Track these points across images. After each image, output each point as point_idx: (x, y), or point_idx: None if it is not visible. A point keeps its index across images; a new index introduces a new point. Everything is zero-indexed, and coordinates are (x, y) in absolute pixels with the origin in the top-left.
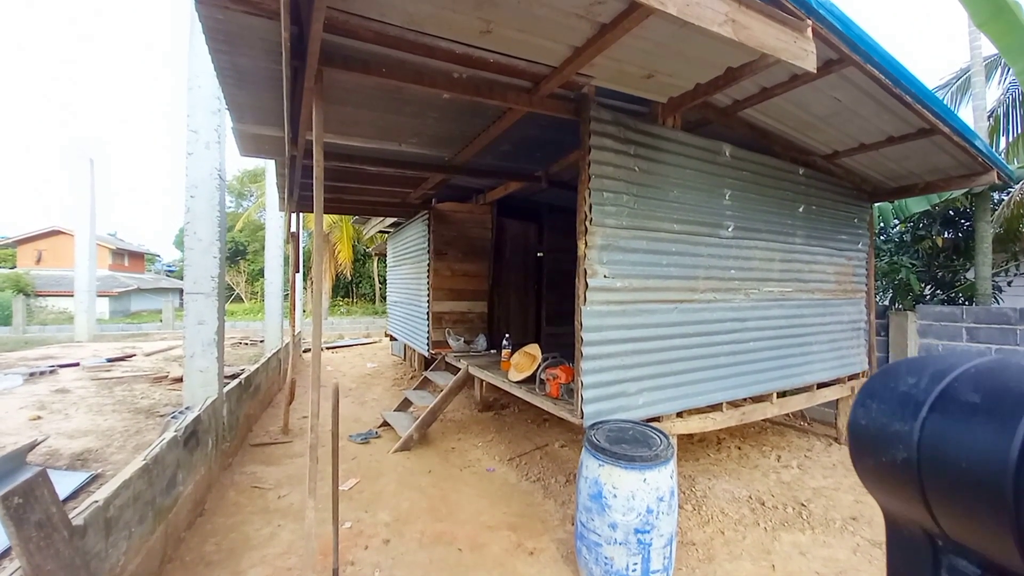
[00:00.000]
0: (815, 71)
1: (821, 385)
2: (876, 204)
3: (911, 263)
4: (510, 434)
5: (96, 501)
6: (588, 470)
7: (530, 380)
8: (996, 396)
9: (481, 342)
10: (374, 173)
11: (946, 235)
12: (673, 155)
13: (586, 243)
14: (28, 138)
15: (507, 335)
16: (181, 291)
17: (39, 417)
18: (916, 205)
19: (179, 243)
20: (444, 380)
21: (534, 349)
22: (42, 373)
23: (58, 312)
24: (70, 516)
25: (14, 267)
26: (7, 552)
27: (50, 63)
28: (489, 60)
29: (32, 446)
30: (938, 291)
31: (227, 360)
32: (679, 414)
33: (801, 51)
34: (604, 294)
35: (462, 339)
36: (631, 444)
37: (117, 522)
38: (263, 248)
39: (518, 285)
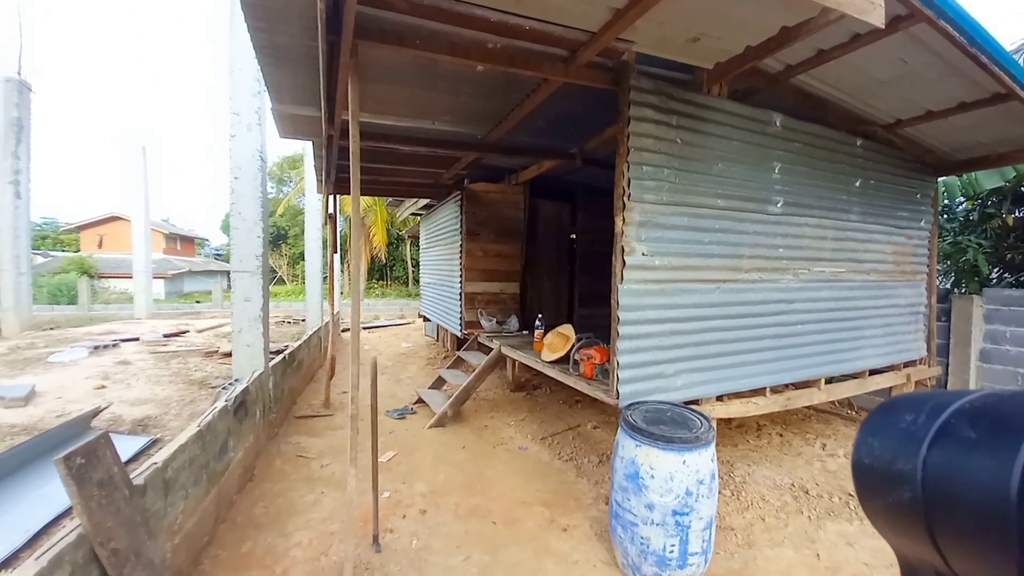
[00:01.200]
0: (883, 26)
1: (873, 372)
2: (941, 179)
3: (979, 243)
4: (542, 414)
5: (155, 463)
6: (624, 450)
7: (563, 360)
8: (993, 431)
9: (513, 323)
10: (408, 153)
11: (1017, 213)
12: (718, 125)
13: (624, 219)
14: (77, 127)
15: (540, 315)
16: (228, 273)
17: (103, 386)
18: (987, 180)
19: (225, 228)
20: (477, 360)
21: (568, 329)
22: (105, 347)
23: (119, 292)
24: (131, 477)
25: (78, 251)
26: (68, 511)
27: (95, 53)
28: (524, 28)
29: (96, 412)
30: (1006, 274)
31: (272, 337)
32: (719, 398)
33: (867, 4)
34: (642, 272)
35: (494, 319)
36: (670, 425)
37: (174, 483)
38: (303, 232)
39: (551, 266)
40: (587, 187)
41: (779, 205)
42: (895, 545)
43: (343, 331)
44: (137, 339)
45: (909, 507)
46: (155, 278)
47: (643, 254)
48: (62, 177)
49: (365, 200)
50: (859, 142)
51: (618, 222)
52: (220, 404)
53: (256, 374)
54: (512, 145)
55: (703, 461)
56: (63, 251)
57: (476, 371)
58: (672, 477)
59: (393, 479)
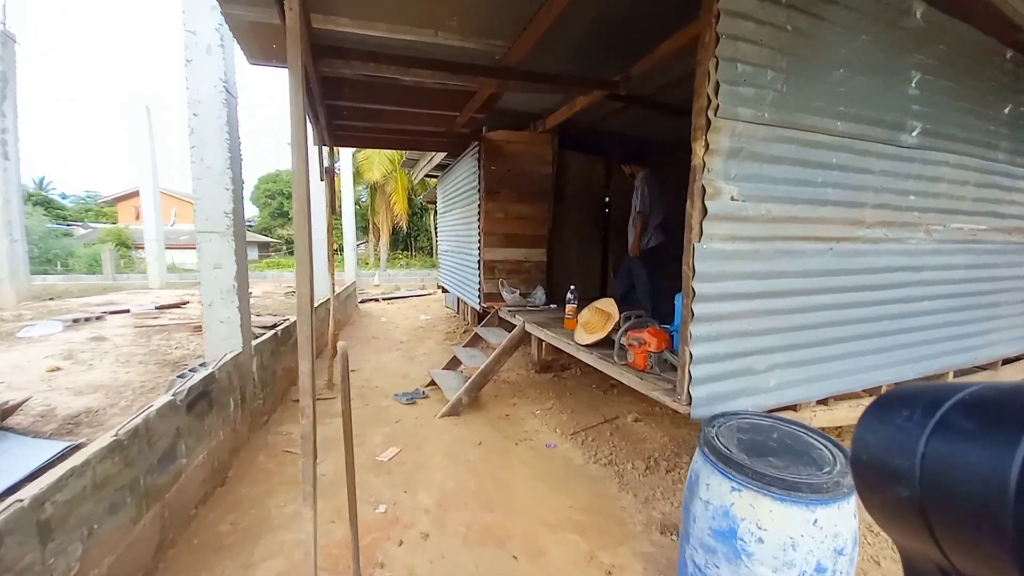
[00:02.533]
0: None
1: (1006, 361)
2: None
3: None
4: (572, 401)
5: (20, 501)
6: (710, 492)
7: (603, 343)
8: (992, 423)
9: (539, 295)
10: (411, 87)
11: None
12: (843, 10)
13: (707, 145)
14: (98, 100)
15: (572, 287)
16: (257, 244)
17: (58, 369)
18: None
19: (254, 199)
20: (496, 337)
21: (608, 305)
22: (87, 319)
23: None
24: None
25: (115, 223)
26: None
27: (116, 27)
28: None
29: (6, 411)
30: None
31: (275, 310)
32: (822, 401)
33: None
34: (730, 225)
35: (517, 291)
36: (784, 458)
37: (64, 521)
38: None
39: (580, 230)
40: (624, 138)
41: (915, 134)
42: (896, 539)
43: (360, 302)
44: (128, 311)
45: (907, 504)
46: (187, 249)
47: (732, 199)
48: (103, 150)
49: (384, 165)
50: (1009, 54)
51: (697, 150)
52: (162, 401)
53: (231, 356)
54: (538, 71)
55: (843, 519)
56: (104, 223)
57: (495, 352)
58: (794, 544)
59: (393, 485)
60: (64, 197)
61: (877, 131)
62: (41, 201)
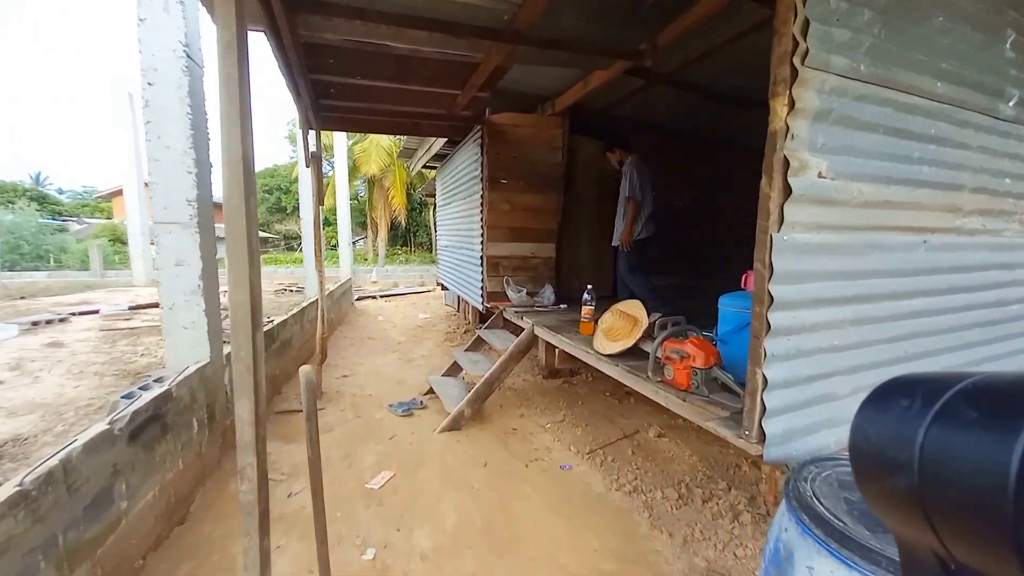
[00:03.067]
0: None
1: None
2: None
3: None
4: (585, 411)
5: None
6: None
7: (631, 353)
8: (992, 412)
9: (548, 295)
10: (405, 55)
11: None
12: None
13: (792, 103)
14: (98, 97)
15: (589, 287)
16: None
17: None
18: None
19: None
20: (502, 341)
21: (635, 308)
22: (48, 322)
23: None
24: None
25: (110, 218)
26: None
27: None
28: None
29: None
30: None
31: (263, 310)
32: None
33: None
34: (816, 211)
35: (524, 290)
36: None
37: None
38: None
39: (593, 224)
40: (639, 124)
41: (1012, 103)
42: (892, 527)
43: (357, 300)
44: (97, 312)
45: (905, 494)
46: None
47: (820, 175)
48: (102, 146)
49: (382, 158)
50: None
51: (778, 110)
52: (95, 430)
53: (195, 368)
54: (550, 39)
55: None
56: (100, 218)
57: (502, 359)
58: None
59: (385, 521)
60: (61, 192)
61: (977, 98)
62: (37, 196)
